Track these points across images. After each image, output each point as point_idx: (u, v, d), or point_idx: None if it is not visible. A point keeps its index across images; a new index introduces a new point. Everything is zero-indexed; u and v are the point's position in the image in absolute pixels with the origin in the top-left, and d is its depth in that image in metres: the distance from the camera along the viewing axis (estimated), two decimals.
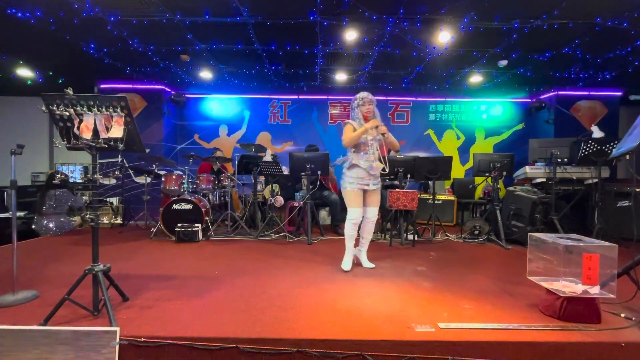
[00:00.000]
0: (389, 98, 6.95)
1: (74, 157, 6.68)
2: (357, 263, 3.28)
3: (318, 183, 4.77)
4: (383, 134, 2.97)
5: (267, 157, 4.94)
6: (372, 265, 3.18)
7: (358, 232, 3.16)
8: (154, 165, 4.97)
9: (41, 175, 6.86)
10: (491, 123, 7.03)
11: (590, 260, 1.99)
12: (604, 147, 3.94)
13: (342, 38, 4.28)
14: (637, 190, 3.95)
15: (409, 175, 4.48)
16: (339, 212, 4.92)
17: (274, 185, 5.08)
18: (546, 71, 5.38)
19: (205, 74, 5.78)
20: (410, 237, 4.38)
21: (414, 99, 7.00)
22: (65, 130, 2.05)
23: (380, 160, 3.05)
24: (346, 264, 3.13)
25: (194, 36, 4.30)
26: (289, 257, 3.54)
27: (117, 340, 1.69)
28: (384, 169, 3.09)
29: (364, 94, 3.05)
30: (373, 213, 3.14)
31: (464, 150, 7.04)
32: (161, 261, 3.38)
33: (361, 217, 3.07)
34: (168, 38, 4.37)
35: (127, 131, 2.06)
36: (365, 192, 3.07)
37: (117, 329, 1.73)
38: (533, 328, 1.93)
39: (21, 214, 5.05)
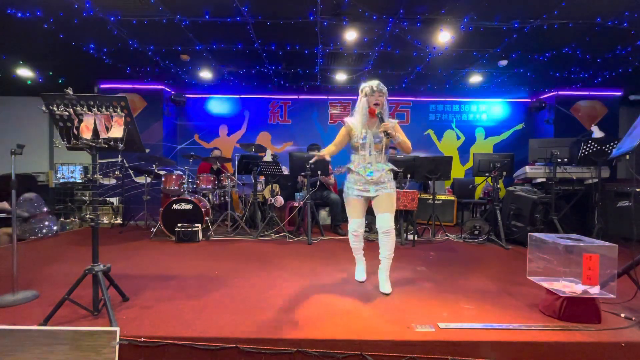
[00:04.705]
0: (388, 98, 6.92)
1: (74, 157, 6.69)
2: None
3: (318, 183, 4.76)
4: (386, 133, 2.38)
5: (267, 157, 4.94)
6: (388, 292, 2.49)
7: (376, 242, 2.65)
8: (154, 165, 4.97)
9: (41, 175, 6.86)
10: (491, 123, 7.04)
11: (590, 260, 1.99)
12: (604, 147, 3.94)
13: (342, 38, 4.28)
14: (637, 190, 3.95)
15: (409, 175, 4.48)
16: (340, 212, 4.91)
17: (274, 185, 5.08)
18: (546, 71, 5.38)
19: (205, 74, 5.78)
20: (410, 237, 4.38)
21: (414, 99, 7.00)
22: (65, 130, 2.05)
23: (382, 162, 2.56)
24: (358, 273, 2.79)
25: (194, 36, 4.30)
26: (289, 257, 3.54)
27: (117, 340, 1.69)
28: (392, 171, 2.61)
29: (374, 83, 2.54)
30: (383, 221, 2.47)
31: (464, 150, 7.04)
32: (161, 261, 3.38)
33: (362, 228, 2.64)
34: (168, 38, 4.37)
35: (127, 131, 2.06)
36: (369, 199, 2.59)
37: (117, 329, 1.73)
38: (533, 328, 1.93)
39: None
